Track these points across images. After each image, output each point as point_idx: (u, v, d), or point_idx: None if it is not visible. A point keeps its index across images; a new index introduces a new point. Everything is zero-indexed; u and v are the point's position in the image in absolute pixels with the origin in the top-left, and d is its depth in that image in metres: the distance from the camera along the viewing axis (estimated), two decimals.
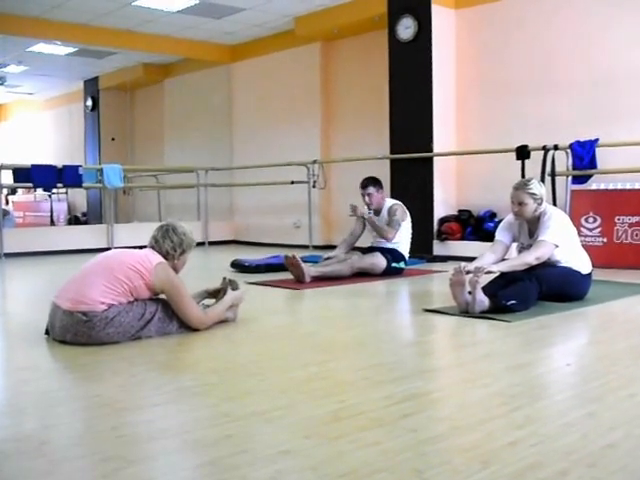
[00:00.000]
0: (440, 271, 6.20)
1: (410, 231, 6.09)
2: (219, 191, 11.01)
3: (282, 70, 10.19)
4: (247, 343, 3.49)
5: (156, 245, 3.62)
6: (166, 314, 3.54)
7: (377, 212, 6.03)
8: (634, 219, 6.06)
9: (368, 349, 3.33)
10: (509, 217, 4.51)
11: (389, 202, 6.06)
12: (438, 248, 7.54)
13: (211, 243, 10.40)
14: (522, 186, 4.32)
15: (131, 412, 2.34)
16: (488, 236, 6.80)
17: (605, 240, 6.09)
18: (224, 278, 3.98)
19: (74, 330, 3.32)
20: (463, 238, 7.39)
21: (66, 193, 14.65)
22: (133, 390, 2.63)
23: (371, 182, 6.01)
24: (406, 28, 7.62)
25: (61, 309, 3.37)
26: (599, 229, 6.16)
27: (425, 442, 1.98)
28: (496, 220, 7.15)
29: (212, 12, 9.15)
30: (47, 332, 3.52)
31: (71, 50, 11.13)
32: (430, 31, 7.45)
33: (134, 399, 2.51)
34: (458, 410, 2.29)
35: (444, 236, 7.51)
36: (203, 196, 10.63)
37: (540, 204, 4.30)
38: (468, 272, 4.01)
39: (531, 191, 4.27)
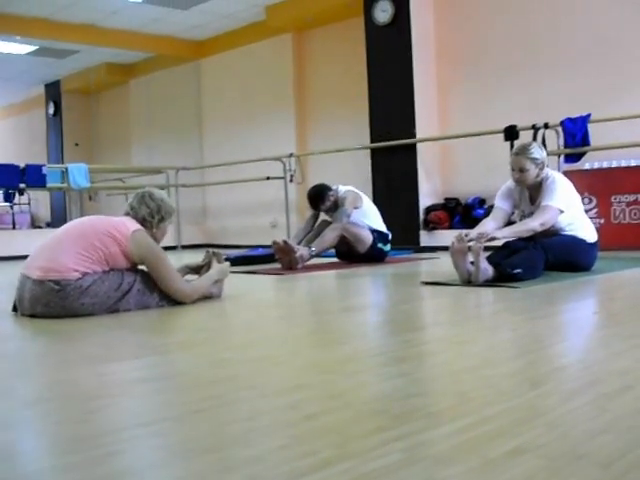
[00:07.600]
0: (430, 258, 5.88)
1: (375, 211, 5.60)
2: (191, 193, 10.64)
3: (253, 63, 9.90)
4: (238, 312, 3.19)
5: (132, 212, 3.31)
6: (146, 286, 3.21)
7: (337, 207, 5.51)
8: (631, 197, 5.81)
9: (371, 311, 3.06)
10: (509, 183, 4.23)
11: (341, 191, 5.53)
12: (426, 239, 7.26)
13: (184, 247, 10.04)
14: (522, 151, 3.99)
15: (116, 363, 2.03)
16: (478, 223, 6.53)
17: (602, 221, 5.82)
18: (207, 251, 3.68)
19: (45, 300, 2.99)
20: (451, 227, 7.14)
21: (29, 204, 14.12)
22: (116, 346, 2.32)
23: (319, 200, 5.41)
24: (383, 11, 7.42)
25: (30, 279, 3.05)
26: (595, 210, 5.90)
27: (461, 372, 1.71)
28: (485, 207, 6.90)
29: (179, 1, 8.84)
30: (14, 309, 3.19)
31: (31, 49, 10.69)
32: (408, 13, 7.22)
33: (118, 353, 2.20)
34: (489, 349, 2.03)
35: (431, 225, 7.26)
36: (174, 198, 10.24)
37: (542, 169, 4.00)
38: (470, 240, 3.74)
39: (532, 156, 3.97)
